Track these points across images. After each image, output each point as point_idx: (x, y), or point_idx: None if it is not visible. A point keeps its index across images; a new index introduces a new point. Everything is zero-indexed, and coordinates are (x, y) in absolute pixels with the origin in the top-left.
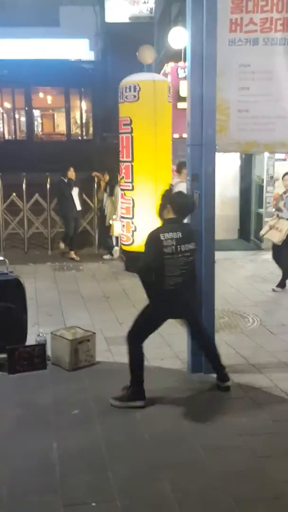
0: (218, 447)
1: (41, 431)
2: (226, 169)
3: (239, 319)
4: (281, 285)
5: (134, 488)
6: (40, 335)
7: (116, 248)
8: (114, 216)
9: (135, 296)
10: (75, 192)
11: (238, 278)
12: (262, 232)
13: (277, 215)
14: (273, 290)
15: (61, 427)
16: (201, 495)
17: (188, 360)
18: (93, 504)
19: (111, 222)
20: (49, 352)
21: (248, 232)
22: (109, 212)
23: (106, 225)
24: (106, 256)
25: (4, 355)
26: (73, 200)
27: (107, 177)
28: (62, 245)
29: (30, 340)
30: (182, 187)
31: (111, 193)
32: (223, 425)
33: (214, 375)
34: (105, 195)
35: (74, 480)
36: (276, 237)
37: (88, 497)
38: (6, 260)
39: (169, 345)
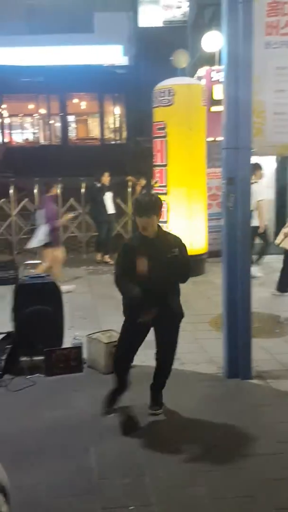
0: (256, 454)
1: (78, 433)
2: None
3: (275, 324)
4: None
5: (171, 493)
6: (76, 338)
7: None
8: None
9: None
10: (107, 196)
11: (274, 282)
12: (277, 241)
13: None
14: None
15: (98, 430)
16: (239, 502)
17: (224, 365)
18: (131, 507)
19: None
20: (85, 355)
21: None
22: None
23: None
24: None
25: (41, 357)
26: (104, 204)
27: (143, 182)
28: (98, 257)
29: (66, 343)
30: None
31: None
32: (260, 432)
33: (251, 381)
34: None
35: (111, 484)
36: None
37: (126, 500)
38: (43, 264)
39: (204, 350)
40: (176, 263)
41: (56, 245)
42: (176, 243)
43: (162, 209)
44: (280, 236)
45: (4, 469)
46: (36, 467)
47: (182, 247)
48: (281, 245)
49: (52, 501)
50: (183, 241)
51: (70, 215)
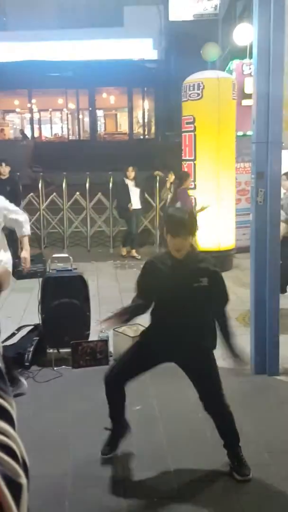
0: (283, 451)
1: (103, 425)
2: None
3: None
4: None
5: (196, 486)
6: (103, 331)
7: None
8: None
9: None
10: (133, 191)
11: None
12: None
13: None
14: None
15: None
16: (266, 498)
17: (252, 361)
18: (155, 499)
19: None
20: (111, 348)
21: None
22: None
23: None
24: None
25: (68, 350)
26: (129, 198)
27: (172, 177)
28: (124, 251)
29: (93, 336)
30: None
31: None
32: (285, 428)
33: (278, 377)
34: (170, 195)
35: (136, 475)
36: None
37: (151, 491)
38: (70, 257)
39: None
40: (202, 294)
41: None
42: (207, 269)
43: (198, 227)
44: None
45: (30, 459)
46: (62, 457)
47: (215, 274)
48: None
49: (77, 491)
50: (217, 267)
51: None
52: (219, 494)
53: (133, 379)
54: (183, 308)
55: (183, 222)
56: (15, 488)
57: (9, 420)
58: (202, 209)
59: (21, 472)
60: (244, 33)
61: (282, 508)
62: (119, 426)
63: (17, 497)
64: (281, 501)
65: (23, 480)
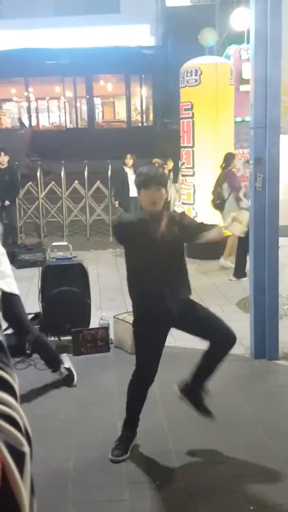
0: (283, 434)
1: (105, 411)
2: None
3: None
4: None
5: (198, 470)
6: (103, 318)
7: None
8: (177, 203)
9: (194, 282)
10: (132, 178)
11: None
12: (225, 224)
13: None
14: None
15: (125, 408)
16: (266, 479)
17: (251, 346)
18: (157, 482)
19: (175, 208)
20: (112, 335)
21: None
22: (173, 199)
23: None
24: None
25: (69, 337)
26: (128, 186)
27: (170, 164)
28: None
29: (94, 323)
30: None
31: (175, 180)
32: (285, 411)
33: (278, 362)
34: (169, 182)
35: (138, 459)
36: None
37: (153, 476)
38: (70, 246)
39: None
40: (178, 245)
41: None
42: (178, 218)
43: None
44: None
45: (33, 445)
46: (64, 443)
47: (184, 217)
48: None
49: (79, 476)
50: (183, 214)
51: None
52: (219, 476)
53: (156, 368)
54: (166, 264)
55: (157, 175)
56: (18, 456)
57: (12, 393)
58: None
59: (24, 441)
60: (242, 18)
61: (283, 490)
62: (134, 430)
63: (20, 466)
64: (281, 483)
65: (26, 448)
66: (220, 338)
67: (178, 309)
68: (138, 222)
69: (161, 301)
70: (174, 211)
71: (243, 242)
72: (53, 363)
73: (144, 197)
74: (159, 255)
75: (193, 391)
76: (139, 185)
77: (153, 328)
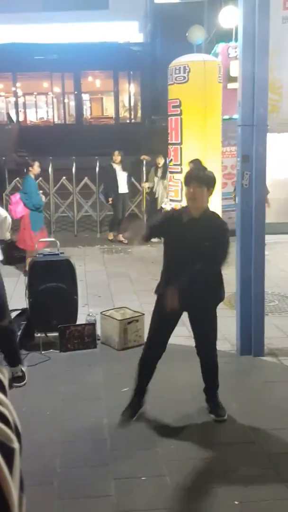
0: (268, 429)
1: (91, 407)
2: (278, 150)
3: None
4: None
5: (182, 465)
6: (90, 315)
7: None
8: (165, 199)
9: None
10: (121, 175)
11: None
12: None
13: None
14: None
15: (111, 404)
16: (251, 475)
17: (237, 342)
18: (143, 478)
19: (163, 205)
20: (99, 331)
21: None
22: (161, 196)
23: (158, 208)
24: (155, 239)
25: (56, 334)
26: (117, 183)
27: (161, 161)
28: (110, 235)
29: (81, 320)
30: None
31: (163, 176)
32: (273, 407)
33: (263, 358)
34: (156, 178)
35: (124, 455)
36: None
37: (138, 471)
38: (57, 242)
39: (218, 328)
40: (208, 252)
41: None
42: (218, 231)
43: (215, 187)
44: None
45: (20, 443)
46: (51, 439)
47: (222, 237)
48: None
49: (66, 471)
50: (227, 230)
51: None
52: (204, 471)
53: (166, 342)
54: (192, 263)
55: (195, 174)
56: (7, 452)
57: (1, 388)
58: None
59: (13, 437)
60: (230, 16)
61: (267, 485)
62: (141, 398)
63: (9, 462)
64: (265, 478)
65: (16, 444)
66: (196, 343)
67: (190, 303)
68: (179, 215)
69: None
70: (217, 217)
71: None
72: (12, 358)
73: (186, 193)
74: (185, 251)
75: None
76: (184, 182)
77: (162, 310)
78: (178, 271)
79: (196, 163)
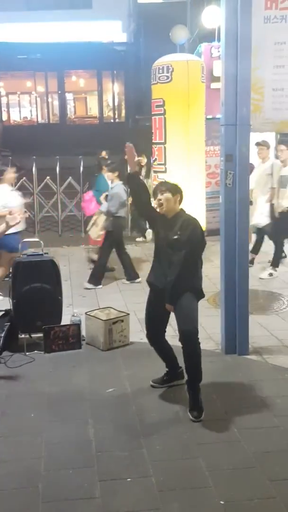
0: (252, 428)
1: (76, 408)
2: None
3: (273, 301)
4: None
5: (168, 465)
6: (75, 315)
7: (149, 231)
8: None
9: None
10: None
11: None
12: (88, 228)
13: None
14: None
15: (96, 404)
16: (235, 474)
17: (222, 341)
18: (128, 479)
19: None
20: (83, 332)
21: None
22: None
23: None
24: (139, 239)
25: (40, 335)
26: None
27: (144, 160)
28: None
29: (65, 320)
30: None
31: (147, 175)
32: (257, 406)
33: (248, 357)
34: (141, 177)
35: (109, 456)
36: (94, 233)
37: (124, 472)
38: (41, 242)
39: (202, 327)
40: (176, 246)
41: None
42: (187, 227)
43: (182, 195)
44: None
45: (4, 444)
46: (35, 441)
47: (190, 233)
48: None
49: (51, 473)
50: (192, 225)
51: None
52: (190, 471)
53: (165, 324)
54: (169, 255)
55: (163, 183)
56: None
57: None
58: None
59: None
60: (213, 16)
61: (252, 484)
62: (174, 371)
63: None
64: (250, 477)
65: None
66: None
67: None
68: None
69: (157, 280)
70: (188, 217)
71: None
72: None
73: (155, 204)
74: (164, 247)
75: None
76: (153, 194)
77: (150, 297)
78: (159, 261)
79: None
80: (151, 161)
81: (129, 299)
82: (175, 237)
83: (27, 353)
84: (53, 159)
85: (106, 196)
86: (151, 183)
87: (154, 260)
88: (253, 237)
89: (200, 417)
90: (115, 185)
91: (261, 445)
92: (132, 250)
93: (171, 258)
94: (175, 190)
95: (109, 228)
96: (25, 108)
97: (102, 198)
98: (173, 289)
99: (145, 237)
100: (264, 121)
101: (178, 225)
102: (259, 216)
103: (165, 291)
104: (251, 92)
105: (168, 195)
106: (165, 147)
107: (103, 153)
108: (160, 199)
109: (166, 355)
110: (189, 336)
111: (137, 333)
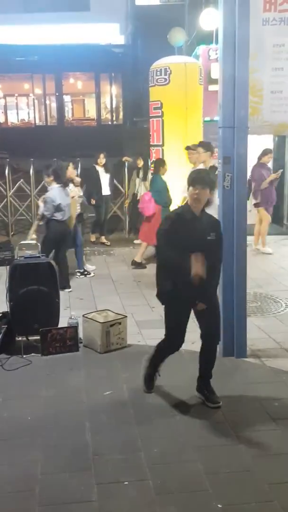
0: (250, 431)
1: (74, 411)
2: (259, 152)
3: (271, 303)
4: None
5: (166, 469)
6: (72, 317)
7: None
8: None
9: None
10: (103, 177)
11: (270, 262)
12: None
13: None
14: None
15: (94, 407)
16: (233, 477)
17: (220, 344)
18: (126, 482)
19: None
20: (81, 334)
21: (280, 217)
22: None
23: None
24: (137, 241)
25: (37, 337)
26: (100, 185)
27: (141, 162)
28: (93, 237)
29: (62, 323)
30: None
31: (145, 178)
32: (255, 409)
33: (246, 359)
34: (138, 180)
35: (106, 459)
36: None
37: (121, 476)
38: (39, 244)
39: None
40: (213, 247)
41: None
42: (216, 226)
43: (215, 190)
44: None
45: (1, 446)
46: (32, 444)
47: (219, 232)
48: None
49: (47, 477)
50: (220, 226)
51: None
52: (187, 474)
53: (184, 334)
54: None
55: (203, 176)
56: None
57: None
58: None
59: None
60: (210, 18)
61: (250, 488)
62: (156, 371)
63: None
64: (248, 481)
65: None
66: (203, 332)
67: (197, 295)
68: (181, 215)
69: (183, 284)
70: (211, 216)
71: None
72: None
73: (190, 192)
74: (192, 246)
75: (201, 389)
76: (189, 183)
77: (175, 303)
78: (189, 265)
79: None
80: (149, 164)
81: (127, 302)
82: (209, 237)
83: (24, 356)
84: (50, 161)
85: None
86: (148, 185)
87: (174, 270)
88: None
89: (220, 402)
90: (52, 188)
91: (260, 448)
92: (129, 253)
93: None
94: (214, 186)
95: (44, 232)
96: (23, 110)
97: (39, 201)
98: (212, 289)
99: None
100: (262, 123)
101: (208, 223)
102: None
103: (197, 294)
104: (249, 95)
105: (207, 191)
106: (162, 149)
107: (127, 158)
108: (198, 193)
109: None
110: (219, 331)
111: (135, 335)
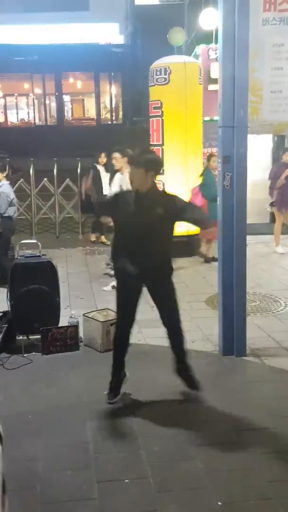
0: (250, 429)
1: (74, 410)
2: (258, 152)
3: (270, 302)
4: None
5: (166, 467)
6: (73, 316)
7: None
8: None
9: None
10: (104, 176)
11: (269, 262)
12: None
13: None
14: None
15: (94, 406)
16: (233, 475)
17: (219, 343)
18: (126, 480)
19: None
20: (81, 333)
21: None
22: None
23: None
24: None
25: (37, 336)
26: (101, 185)
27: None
28: (93, 237)
29: (63, 322)
30: None
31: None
32: (255, 407)
33: (246, 358)
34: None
35: (107, 458)
36: None
37: (121, 474)
38: (39, 243)
39: (200, 328)
40: (159, 222)
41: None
42: (165, 201)
43: (158, 170)
44: None
45: (2, 445)
46: (33, 442)
47: (168, 200)
48: None
49: (48, 475)
50: (177, 197)
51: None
52: (187, 472)
53: (134, 319)
54: (145, 236)
55: (137, 155)
56: None
57: None
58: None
59: None
60: (210, 18)
61: (250, 485)
62: (119, 376)
63: None
64: (248, 478)
65: None
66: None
67: (147, 274)
68: (122, 197)
69: (130, 262)
70: (166, 192)
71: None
72: None
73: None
74: (135, 228)
75: (179, 370)
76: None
77: (123, 283)
78: (136, 244)
79: (143, 147)
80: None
81: None
82: (155, 213)
83: (24, 355)
84: (50, 160)
85: None
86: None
87: (123, 246)
88: None
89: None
90: (2, 185)
91: (259, 446)
92: None
93: (148, 241)
94: (152, 165)
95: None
96: (23, 110)
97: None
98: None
99: None
100: (262, 123)
101: (157, 199)
102: None
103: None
104: (249, 95)
105: (141, 170)
106: (162, 149)
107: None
108: (130, 177)
109: (125, 356)
110: (176, 318)
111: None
